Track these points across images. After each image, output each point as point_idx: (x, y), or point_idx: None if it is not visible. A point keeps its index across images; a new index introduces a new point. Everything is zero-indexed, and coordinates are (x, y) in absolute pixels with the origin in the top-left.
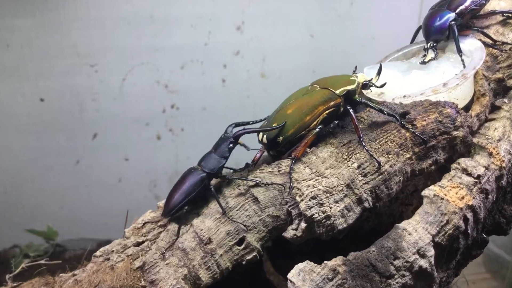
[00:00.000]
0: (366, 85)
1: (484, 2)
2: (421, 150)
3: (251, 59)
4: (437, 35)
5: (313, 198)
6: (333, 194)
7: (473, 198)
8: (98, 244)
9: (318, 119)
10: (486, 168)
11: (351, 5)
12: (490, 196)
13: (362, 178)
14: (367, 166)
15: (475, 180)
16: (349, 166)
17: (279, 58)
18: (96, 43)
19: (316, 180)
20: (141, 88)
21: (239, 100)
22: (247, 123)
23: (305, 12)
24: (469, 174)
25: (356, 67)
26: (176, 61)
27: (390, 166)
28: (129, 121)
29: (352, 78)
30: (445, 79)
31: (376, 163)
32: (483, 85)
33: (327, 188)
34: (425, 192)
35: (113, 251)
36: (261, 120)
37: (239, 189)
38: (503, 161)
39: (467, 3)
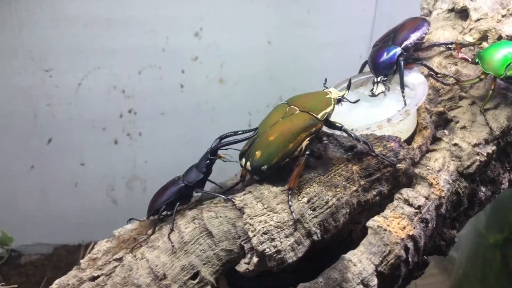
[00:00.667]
0: (340, 101)
1: (424, 35)
2: (367, 182)
3: (209, 65)
4: (385, 70)
5: (264, 233)
6: (283, 229)
7: (414, 228)
8: (54, 248)
9: (301, 146)
10: (427, 198)
11: (307, 13)
12: (430, 224)
13: (311, 212)
14: (316, 201)
15: (416, 210)
16: (299, 201)
17: (237, 64)
18: (51, 45)
19: (268, 215)
20: (98, 92)
21: (197, 105)
22: (236, 133)
23: (262, 19)
24: (410, 205)
25: (326, 79)
26: (134, 66)
27: (338, 200)
28: (85, 126)
29: (328, 96)
30: (390, 114)
31: (324, 197)
32: (425, 118)
33: (278, 224)
34: (369, 223)
35: (68, 284)
36: (250, 130)
37: (194, 223)
38: (443, 190)
39: (411, 38)
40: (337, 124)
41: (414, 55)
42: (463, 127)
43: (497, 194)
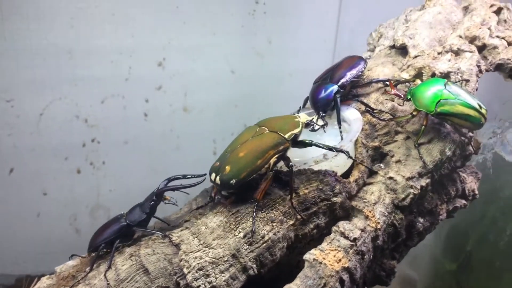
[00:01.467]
0: (308, 125)
1: (360, 74)
2: (304, 216)
3: (173, 94)
4: (324, 107)
5: (199, 269)
6: (219, 265)
7: (349, 260)
8: (17, 279)
9: (269, 163)
10: (363, 230)
11: (269, 43)
12: (366, 256)
13: (247, 247)
14: (252, 236)
15: (352, 242)
16: (236, 236)
17: (201, 93)
18: (12, 75)
19: (204, 251)
20: (60, 122)
21: (162, 133)
22: (185, 176)
23: (225, 49)
24: (346, 237)
25: (300, 107)
26: (96, 95)
27: (274, 234)
28: (47, 155)
29: (297, 119)
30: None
31: (260, 232)
32: (361, 153)
33: (213, 259)
34: (306, 256)
35: None
36: (198, 176)
37: (131, 260)
38: (378, 223)
39: (347, 77)
40: (306, 141)
41: (353, 92)
42: (398, 161)
43: (436, 225)
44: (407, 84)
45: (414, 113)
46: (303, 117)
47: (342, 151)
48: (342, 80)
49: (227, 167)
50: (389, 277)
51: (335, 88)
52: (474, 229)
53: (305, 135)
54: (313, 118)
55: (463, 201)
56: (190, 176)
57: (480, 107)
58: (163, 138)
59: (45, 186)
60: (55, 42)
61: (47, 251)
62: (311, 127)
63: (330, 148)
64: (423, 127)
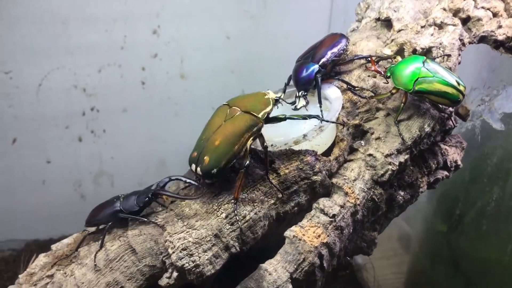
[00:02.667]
0: (277, 101)
1: (342, 52)
2: (284, 195)
3: (169, 61)
4: (305, 86)
5: (183, 249)
6: (202, 245)
7: (328, 235)
8: (26, 244)
9: (245, 146)
10: (342, 206)
11: (264, 8)
12: (345, 231)
13: (229, 226)
14: (234, 216)
15: (331, 219)
16: (218, 216)
17: (197, 60)
18: (8, 47)
19: (187, 232)
20: (59, 92)
21: (160, 101)
22: (184, 182)
23: (219, 14)
24: (326, 214)
25: (285, 84)
26: (93, 65)
27: (255, 214)
28: (48, 125)
29: (267, 97)
30: (306, 129)
31: (242, 212)
32: (342, 131)
33: (197, 240)
34: (286, 233)
35: None
36: (194, 183)
37: (119, 241)
38: (358, 198)
39: (328, 55)
40: (279, 116)
41: (336, 69)
42: (378, 138)
43: (416, 198)
44: (389, 60)
45: (394, 91)
46: (272, 93)
47: (315, 117)
48: (323, 60)
49: (205, 157)
50: (370, 247)
51: (316, 67)
52: (464, 194)
53: (288, 113)
54: (281, 96)
55: (445, 173)
56: (188, 183)
57: (459, 84)
58: (161, 105)
59: (48, 154)
60: (50, 10)
61: (54, 217)
62: (294, 105)
63: (304, 117)
64: (402, 104)
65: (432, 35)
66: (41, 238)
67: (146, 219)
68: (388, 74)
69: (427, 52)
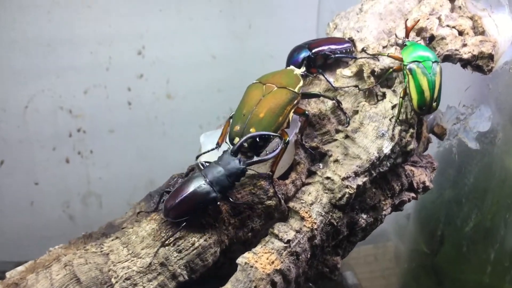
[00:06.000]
0: (304, 76)
1: (339, 52)
2: (237, 220)
3: (155, 81)
4: (292, 65)
5: (127, 279)
6: (146, 274)
7: (282, 262)
8: (15, 265)
9: (287, 119)
10: (298, 231)
11: (249, 27)
12: (302, 256)
13: (177, 254)
14: (182, 243)
15: (285, 244)
16: (165, 244)
17: (184, 79)
18: None
19: (132, 261)
20: (45, 114)
21: (147, 121)
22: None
23: (204, 34)
24: (280, 239)
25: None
26: (79, 86)
27: (205, 240)
28: (36, 147)
29: (295, 73)
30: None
31: (191, 239)
32: (299, 154)
33: (141, 269)
34: (239, 260)
35: None
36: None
37: (65, 270)
38: (315, 223)
39: (323, 47)
40: (314, 93)
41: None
42: (336, 160)
43: (381, 221)
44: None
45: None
46: (297, 70)
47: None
48: (317, 49)
49: (251, 129)
50: (333, 272)
51: (306, 53)
52: (444, 214)
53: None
54: (304, 70)
55: (412, 194)
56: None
57: (434, 100)
58: (149, 126)
59: (36, 176)
60: (35, 34)
61: (43, 238)
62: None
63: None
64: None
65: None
66: (30, 259)
67: (94, 243)
68: (408, 44)
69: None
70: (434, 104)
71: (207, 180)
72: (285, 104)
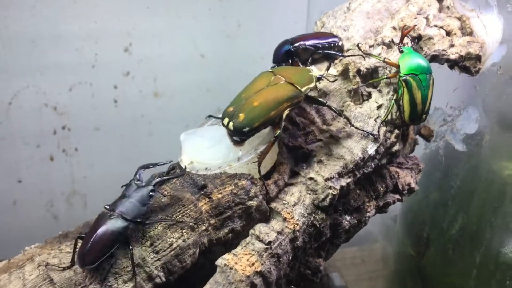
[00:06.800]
0: (320, 79)
1: (320, 46)
2: (218, 221)
3: (142, 79)
4: (277, 60)
5: (101, 280)
6: (122, 275)
7: (262, 264)
8: None
9: (281, 115)
10: (279, 233)
11: (238, 27)
12: (283, 258)
13: (154, 255)
14: (160, 244)
15: (266, 246)
16: (143, 245)
17: (171, 78)
18: None
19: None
20: (29, 111)
21: (133, 119)
22: (154, 165)
23: (193, 33)
24: (261, 241)
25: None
26: (64, 83)
27: (183, 241)
28: (19, 144)
29: (311, 74)
30: (242, 151)
31: (168, 240)
32: (282, 153)
33: (116, 270)
34: (218, 261)
35: None
36: (169, 162)
37: (39, 270)
38: (297, 224)
39: (305, 42)
40: (319, 99)
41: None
42: (320, 161)
43: (365, 223)
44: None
45: (391, 69)
46: (315, 71)
47: None
48: (299, 43)
49: (241, 114)
50: (315, 275)
51: (288, 47)
52: (430, 217)
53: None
54: (324, 74)
55: (397, 196)
56: (159, 164)
57: (424, 113)
58: (135, 124)
59: (19, 174)
60: (19, 30)
61: (26, 237)
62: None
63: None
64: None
65: (379, 54)
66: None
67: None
68: (405, 51)
69: (373, 72)
70: (424, 116)
71: (116, 212)
72: (283, 100)
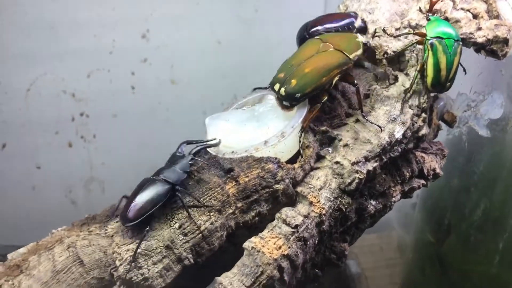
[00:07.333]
0: (366, 45)
1: (338, 29)
2: (244, 204)
3: (159, 66)
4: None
5: (131, 261)
6: (151, 257)
7: (289, 247)
8: (16, 249)
9: (331, 81)
10: (306, 216)
11: (255, 12)
12: (309, 242)
13: (183, 237)
14: (188, 226)
15: (293, 229)
16: (171, 227)
17: (188, 65)
18: None
19: (137, 243)
20: (47, 97)
21: (150, 106)
22: (197, 142)
23: (210, 19)
24: (288, 224)
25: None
26: (82, 70)
27: (211, 224)
28: (38, 130)
29: (358, 39)
30: (269, 135)
31: (197, 222)
32: (308, 137)
33: (146, 251)
34: (245, 244)
35: None
36: (212, 140)
37: (68, 252)
38: (323, 208)
39: (320, 27)
40: (363, 64)
41: None
42: (346, 145)
43: (390, 208)
44: None
45: (417, 37)
46: (361, 37)
47: None
48: (314, 29)
49: (293, 80)
50: (340, 259)
51: (303, 35)
52: (452, 203)
53: (255, 120)
54: (368, 41)
55: (422, 181)
56: (204, 141)
57: (448, 80)
58: (152, 111)
59: (38, 160)
60: (38, 16)
61: (45, 222)
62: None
63: None
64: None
65: (406, 37)
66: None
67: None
68: (432, 19)
69: (399, 55)
70: (448, 84)
71: (161, 177)
72: (333, 67)
